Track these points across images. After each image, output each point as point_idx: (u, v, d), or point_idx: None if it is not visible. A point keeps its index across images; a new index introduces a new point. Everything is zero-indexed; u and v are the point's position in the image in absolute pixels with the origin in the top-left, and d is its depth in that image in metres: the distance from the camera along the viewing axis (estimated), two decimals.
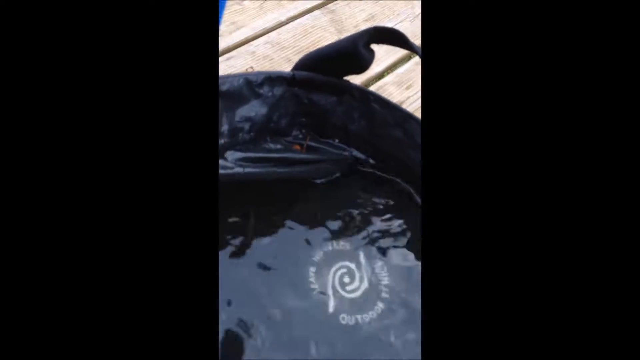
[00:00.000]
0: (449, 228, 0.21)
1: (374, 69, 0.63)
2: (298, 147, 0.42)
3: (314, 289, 0.36)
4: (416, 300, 0.37)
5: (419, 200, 0.42)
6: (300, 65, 0.42)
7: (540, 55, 0.21)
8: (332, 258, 0.38)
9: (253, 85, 0.40)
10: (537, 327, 0.20)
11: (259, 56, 0.62)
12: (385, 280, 0.38)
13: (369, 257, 0.39)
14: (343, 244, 0.39)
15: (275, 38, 0.66)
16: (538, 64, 0.21)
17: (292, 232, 0.39)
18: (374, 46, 0.41)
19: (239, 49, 0.64)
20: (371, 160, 0.44)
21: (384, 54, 0.65)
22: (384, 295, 0.37)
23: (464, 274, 0.21)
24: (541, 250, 0.20)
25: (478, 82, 0.21)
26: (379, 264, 0.38)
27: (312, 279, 0.37)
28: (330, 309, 0.36)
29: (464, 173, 0.21)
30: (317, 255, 0.38)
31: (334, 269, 0.37)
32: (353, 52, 0.39)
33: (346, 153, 0.43)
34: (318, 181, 0.42)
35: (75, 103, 0.20)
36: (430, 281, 0.21)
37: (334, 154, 0.43)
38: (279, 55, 0.63)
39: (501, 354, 0.20)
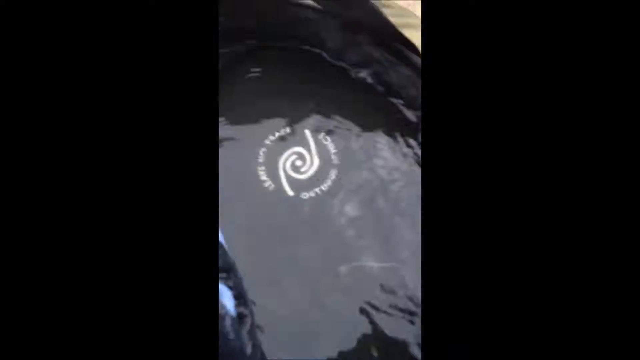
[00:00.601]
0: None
1: None
2: None
3: (266, 183, 0.36)
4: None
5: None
6: None
7: None
8: (277, 146, 0.38)
9: None
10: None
11: None
12: (333, 149, 0.37)
13: (313, 132, 0.38)
14: (285, 128, 0.38)
15: None
16: None
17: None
18: None
19: None
20: None
21: None
22: (335, 162, 0.37)
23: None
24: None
25: None
26: (321, 134, 0.38)
27: (262, 176, 0.36)
28: (290, 193, 0.36)
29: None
30: (261, 148, 0.37)
31: (283, 157, 0.37)
32: None
33: None
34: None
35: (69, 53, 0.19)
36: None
37: None
38: None
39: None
